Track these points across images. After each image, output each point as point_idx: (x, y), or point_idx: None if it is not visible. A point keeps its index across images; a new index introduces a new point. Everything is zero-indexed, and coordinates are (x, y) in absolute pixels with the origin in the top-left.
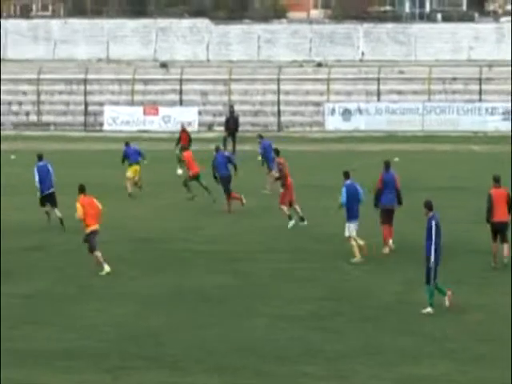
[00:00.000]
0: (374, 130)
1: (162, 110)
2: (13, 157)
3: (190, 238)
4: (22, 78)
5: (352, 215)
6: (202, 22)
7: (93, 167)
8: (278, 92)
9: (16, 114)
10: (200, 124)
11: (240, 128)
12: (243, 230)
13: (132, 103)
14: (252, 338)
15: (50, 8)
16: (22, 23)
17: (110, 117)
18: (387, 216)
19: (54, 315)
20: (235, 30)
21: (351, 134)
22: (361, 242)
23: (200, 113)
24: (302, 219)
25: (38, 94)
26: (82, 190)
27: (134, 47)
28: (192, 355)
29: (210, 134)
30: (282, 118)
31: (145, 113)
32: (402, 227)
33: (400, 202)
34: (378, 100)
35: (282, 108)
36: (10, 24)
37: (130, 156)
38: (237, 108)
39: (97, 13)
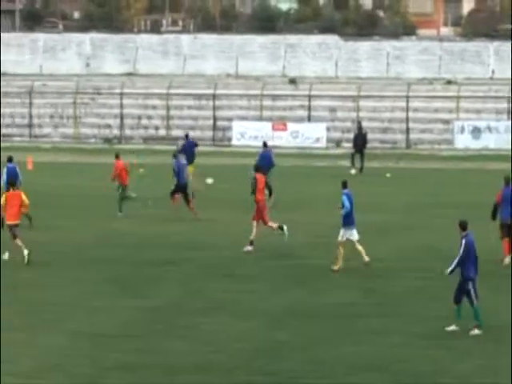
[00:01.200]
0: (504, 148)
1: (291, 126)
2: (142, 170)
3: (321, 255)
4: (152, 93)
5: (349, 222)
6: (332, 39)
7: (221, 181)
8: (407, 109)
9: (145, 128)
10: (328, 140)
11: (368, 145)
12: (375, 248)
13: (260, 118)
14: (380, 356)
15: (180, 23)
16: (153, 38)
17: (238, 132)
18: (506, 231)
19: (183, 328)
20: (364, 46)
21: (480, 153)
22: (359, 248)
23: (328, 129)
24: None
25: (168, 108)
26: None
27: (263, 63)
28: (315, 372)
29: (338, 151)
30: (411, 136)
31: (273, 128)
32: None
33: None
34: (508, 118)
35: (411, 125)
36: (140, 39)
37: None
38: (365, 125)
39: (226, 28)
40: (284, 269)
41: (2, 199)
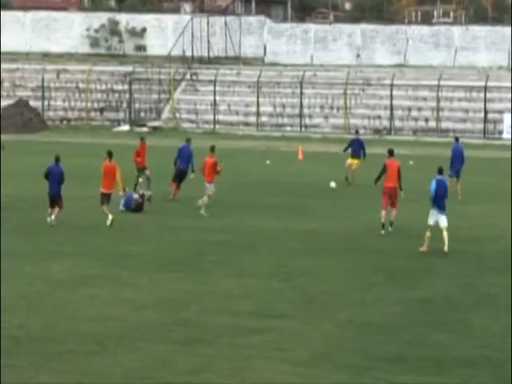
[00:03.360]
0: None
1: None
2: (411, 162)
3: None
4: (422, 84)
5: (438, 206)
6: None
7: (489, 175)
8: None
9: (415, 119)
10: None
11: None
12: None
13: None
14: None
15: (452, 14)
16: (424, 29)
17: (509, 125)
18: None
19: (452, 322)
20: None
21: None
22: (444, 234)
23: None
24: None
25: (438, 100)
26: None
27: None
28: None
29: None
30: None
31: None
32: None
33: None
34: None
35: None
36: (411, 30)
37: None
38: None
39: (498, 20)
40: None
41: (102, 168)
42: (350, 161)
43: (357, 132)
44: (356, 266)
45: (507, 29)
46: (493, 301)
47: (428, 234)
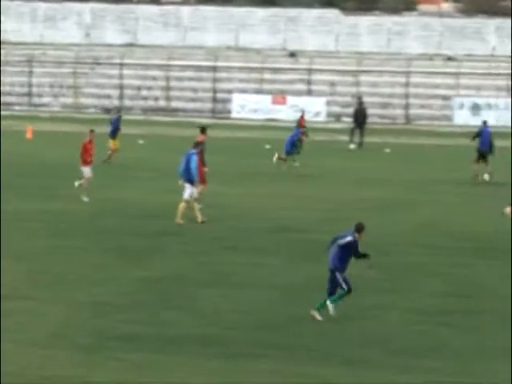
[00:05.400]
0: (504, 125)
1: (290, 100)
2: (141, 142)
3: (329, 229)
4: (152, 64)
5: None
6: (332, 13)
7: (220, 154)
8: (407, 85)
9: (145, 98)
10: (328, 115)
11: (368, 120)
12: (380, 223)
13: (260, 92)
14: (383, 331)
15: None
16: (153, 9)
17: (238, 104)
18: None
19: (186, 300)
20: (365, 21)
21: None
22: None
23: (328, 103)
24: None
25: (168, 79)
26: None
27: (263, 36)
28: (325, 347)
29: (338, 125)
30: (410, 111)
31: (273, 101)
32: None
33: None
34: (508, 95)
35: (411, 101)
36: (140, 9)
37: None
38: (365, 100)
39: (226, 0)
40: (293, 243)
41: None
42: (111, 143)
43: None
44: (91, 246)
45: (236, 9)
46: (225, 279)
47: (183, 205)
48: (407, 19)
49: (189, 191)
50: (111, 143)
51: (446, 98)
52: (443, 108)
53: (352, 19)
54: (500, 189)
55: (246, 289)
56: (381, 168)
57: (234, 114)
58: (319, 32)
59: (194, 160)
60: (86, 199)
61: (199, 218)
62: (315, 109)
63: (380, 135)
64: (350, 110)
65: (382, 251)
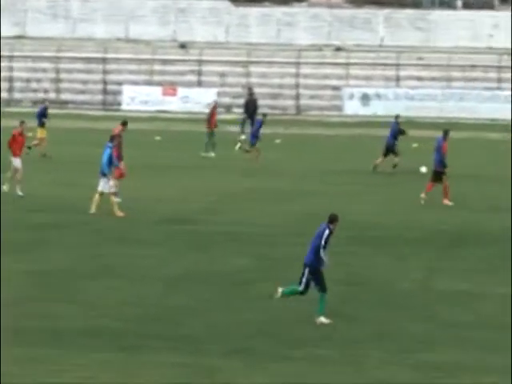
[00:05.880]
0: (393, 115)
1: (181, 91)
2: (30, 134)
3: (214, 220)
4: (41, 56)
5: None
6: (222, 4)
7: None
8: (297, 75)
9: (35, 91)
10: (219, 106)
11: (258, 110)
12: (270, 214)
13: (151, 83)
14: (272, 320)
15: None
16: (42, 1)
17: (128, 96)
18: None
19: (73, 293)
20: (255, 12)
21: (369, 119)
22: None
23: (219, 94)
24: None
25: (57, 71)
26: None
27: (153, 27)
28: (212, 337)
29: (229, 116)
30: (301, 102)
31: (163, 93)
32: (422, 214)
33: None
34: (397, 86)
35: (301, 91)
36: (29, 2)
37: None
38: (255, 90)
39: None
40: (178, 234)
41: None
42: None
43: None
44: None
45: (126, 1)
46: (112, 271)
47: (96, 197)
48: (297, 10)
49: (102, 183)
50: (39, 132)
51: (335, 88)
52: (333, 98)
53: (242, 10)
54: (395, 178)
55: (132, 280)
56: (272, 159)
57: (124, 106)
58: (209, 23)
59: (107, 153)
60: (20, 193)
61: (116, 212)
62: (206, 100)
63: (271, 126)
64: (241, 101)
65: (269, 242)
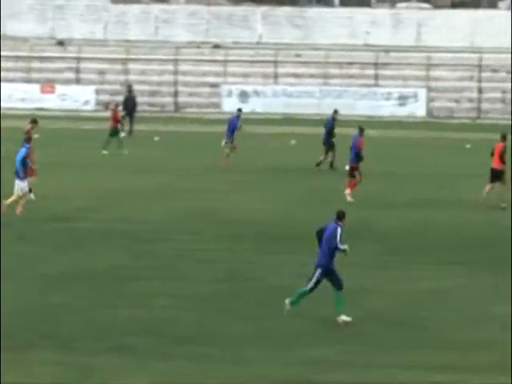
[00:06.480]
0: (271, 112)
1: (59, 88)
2: None
3: (96, 218)
4: None
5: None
6: (100, 1)
7: None
8: (176, 73)
9: None
10: (97, 103)
11: (137, 108)
12: (149, 211)
13: (29, 81)
14: (153, 318)
15: None
16: None
17: (5, 94)
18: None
19: None
20: (133, 9)
21: (248, 116)
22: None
23: (97, 92)
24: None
25: None
26: None
27: (31, 24)
28: (92, 335)
29: (107, 114)
30: (179, 99)
31: (41, 90)
32: (305, 211)
33: None
34: (275, 83)
35: (179, 89)
36: None
37: None
38: (134, 88)
39: None
40: (60, 232)
41: None
42: None
43: None
44: None
45: None
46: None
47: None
48: (175, 7)
49: (16, 185)
50: None
51: (214, 85)
52: (212, 95)
53: (120, 7)
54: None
55: (13, 279)
56: (151, 156)
57: (1, 104)
58: (87, 20)
59: (20, 153)
60: None
61: (19, 208)
62: (84, 97)
63: (149, 123)
64: (120, 98)
65: (150, 239)
